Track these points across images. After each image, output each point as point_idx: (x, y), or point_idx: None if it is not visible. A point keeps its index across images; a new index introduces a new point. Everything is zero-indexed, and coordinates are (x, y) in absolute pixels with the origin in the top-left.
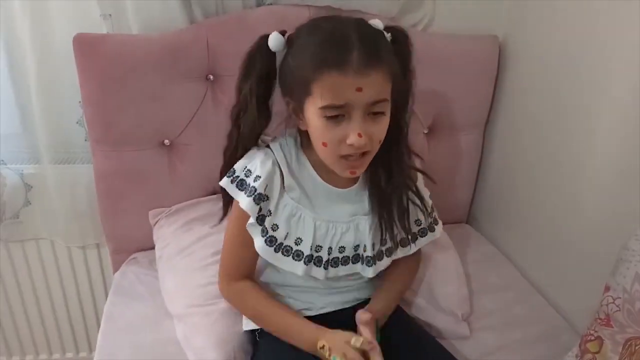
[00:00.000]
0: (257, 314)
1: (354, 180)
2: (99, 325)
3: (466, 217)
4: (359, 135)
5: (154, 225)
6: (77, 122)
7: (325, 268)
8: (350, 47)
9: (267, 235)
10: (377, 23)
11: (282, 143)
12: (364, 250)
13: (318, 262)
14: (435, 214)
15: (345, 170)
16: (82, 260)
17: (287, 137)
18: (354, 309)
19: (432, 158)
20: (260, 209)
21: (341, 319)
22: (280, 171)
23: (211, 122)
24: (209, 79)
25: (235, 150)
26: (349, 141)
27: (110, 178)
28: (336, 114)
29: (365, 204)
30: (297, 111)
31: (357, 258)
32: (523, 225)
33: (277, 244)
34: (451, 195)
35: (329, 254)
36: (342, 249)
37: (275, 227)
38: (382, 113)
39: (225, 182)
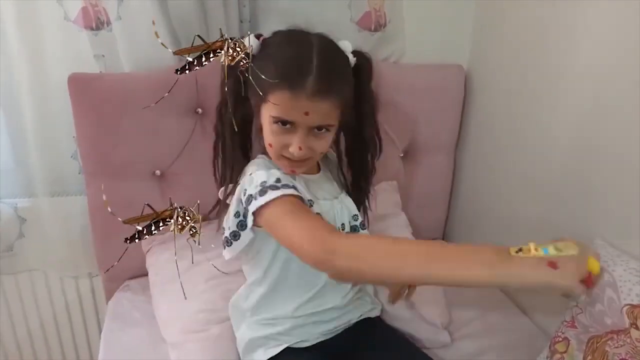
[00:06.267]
0: (393, 250)
1: (317, 169)
2: (91, 356)
3: (442, 233)
4: (300, 148)
5: (147, 252)
6: (71, 156)
7: None
8: (308, 72)
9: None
10: (346, 46)
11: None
12: (355, 220)
13: None
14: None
15: (286, 168)
16: (75, 291)
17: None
18: (348, 330)
19: (408, 179)
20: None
21: (340, 343)
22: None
23: (200, 152)
24: (198, 112)
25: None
26: (290, 149)
27: (105, 210)
28: (284, 124)
29: (333, 183)
30: (257, 108)
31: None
32: (495, 239)
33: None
34: (427, 212)
35: (343, 230)
36: (343, 225)
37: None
38: (327, 131)
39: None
